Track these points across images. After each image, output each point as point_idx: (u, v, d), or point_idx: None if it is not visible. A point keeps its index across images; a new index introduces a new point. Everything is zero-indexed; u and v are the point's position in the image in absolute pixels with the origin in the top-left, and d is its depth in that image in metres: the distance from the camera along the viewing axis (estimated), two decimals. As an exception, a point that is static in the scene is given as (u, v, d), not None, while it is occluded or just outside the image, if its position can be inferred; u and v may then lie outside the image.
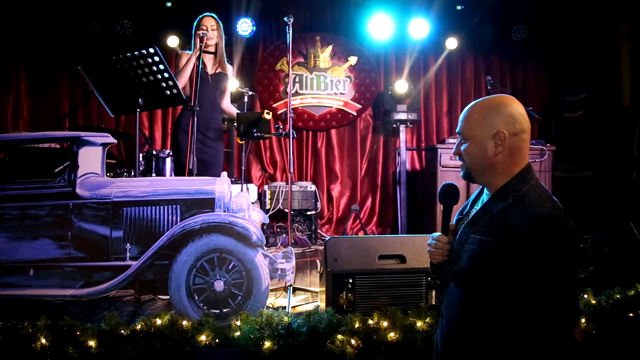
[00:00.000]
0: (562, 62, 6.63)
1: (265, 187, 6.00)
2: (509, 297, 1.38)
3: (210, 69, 3.99)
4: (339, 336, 2.58)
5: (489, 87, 5.47)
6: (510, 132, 1.46)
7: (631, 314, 2.94)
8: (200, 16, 3.96)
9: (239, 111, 4.18)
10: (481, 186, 1.62)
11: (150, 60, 3.27)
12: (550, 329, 1.33)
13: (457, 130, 1.57)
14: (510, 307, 1.38)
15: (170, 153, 5.01)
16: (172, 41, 6.15)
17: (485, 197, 1.57)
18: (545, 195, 1.43)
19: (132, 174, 4.95)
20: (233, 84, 4.19)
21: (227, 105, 4.21)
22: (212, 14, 3.99)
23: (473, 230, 1.50)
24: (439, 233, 1.61)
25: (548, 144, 5.55)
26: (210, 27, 3.90)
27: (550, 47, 6.59)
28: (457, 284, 1.54)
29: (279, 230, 5.88)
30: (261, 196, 5.93)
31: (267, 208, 5.80)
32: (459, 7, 6.36)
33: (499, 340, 1.41)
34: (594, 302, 2.97)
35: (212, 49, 3.95)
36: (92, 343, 2.57)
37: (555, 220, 1.35)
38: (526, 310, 1.35)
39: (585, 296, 3.01)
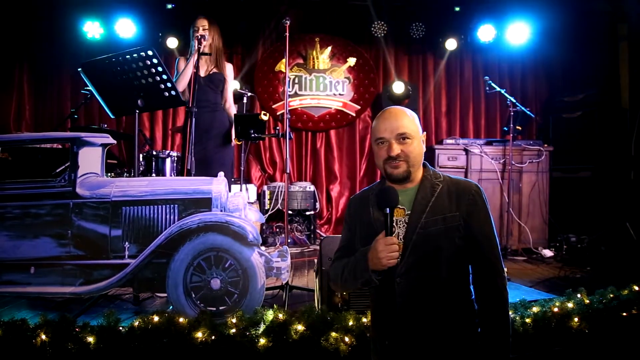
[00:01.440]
0: (561, 62, 6.65)
1: (265, 187, 6.05)
2: (472, 247, 1.72)
3: (203, 71, 4.03)
4: (333, 334, 2.62)
5: (487, 88, 5.50)
6: None
7: (624, 314, 2.96)
8: (196, 18, 4.02)
9: (236, 113, 4.22)
10: (370, 192, 1.85)
11: (148, 62, 3.32)
12: (499, 271, 1.73)
13: (398, 132, 1.73)
14: (470, 254, 1.73)
15: (170, 153, 5.07)
16: (172, 43, 6.21)
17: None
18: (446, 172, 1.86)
19: (132, 174, 5.00)
20: (233, 84, 4.21)
21: (229, 107, 4.23)
22: (205, 15, 4.03)
23: (424, 216, 1.71)
24: (378, 238, 1.64)
25: (546, 145, 5.60)
26: (202, 27, 3.94)
27: (549, 47, 6.60)
28: (420, 269, 1.69)
29: (278, 230, 5.93)
30: (261, 196, 5.98)
31: (266, 208, 5.85)
32: (457, 8, 6.38)
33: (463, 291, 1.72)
34: (587, 301, 2.99)
35: (207, 50, 3.98)
36: (91, 339, 2.61)
37: (481, 189, 1.81)
38: (485, 249, 1.73)
39: (579, 295, 3.03)
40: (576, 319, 2.88)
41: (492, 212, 5.67)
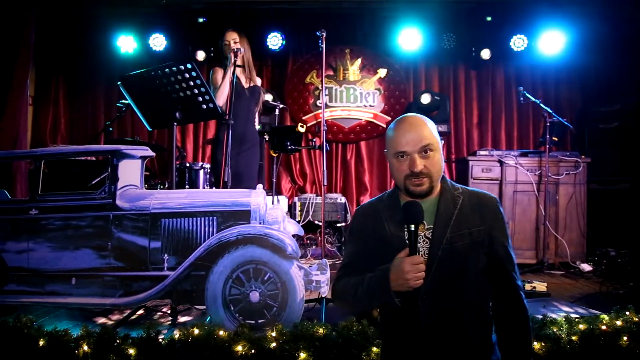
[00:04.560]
0: (596, 71, 6.50)
1: (296, 198, 6.04)
2: (494, 262, 1.64)
3: (244, 83, 4.07)
4: (374, 349, 2.58)
5: (521, 99, 5.41)
6: None
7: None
8: (225, 31, 4.07)
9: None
10: (378, 203, 1.75)
11: (187, 75, 3.36)
12: (518, 286, 1.67)
13: (421, 145, 1.60)
14: (492, 269, 1.64)
15: (203, 165, 5.12)
16: (201, 55, 6.31)
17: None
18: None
19: (167, 185, 5.06)
20: (265, 96, 4.26)
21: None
22: (235, 28, 4.08)
23: (449, 231, 1.61)
24: (402, 257, 1.53)
25: (583, 156, 5.45)
26: (233, 40, 3.99)
27: (583, 56, 6.47)
28: (446, 287, 1.59)
29: (308, 241, 5.90)
30: (291, 208, 5.98)
31: (297, 220, 5.83)
32: (488, 18, 6.31)
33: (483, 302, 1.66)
34: (637, 319, 2.88)
35: (239, 62, 4.01)
36: (131, 351, 2.63)
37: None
38: (508, 264, 1.66)
39: (627, 313, 2.92)
40: (625, 338, 2.77)
41: (527, 225, 5.49)
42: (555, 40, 6.18)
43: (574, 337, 2.73)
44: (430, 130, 1.64)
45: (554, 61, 6.50)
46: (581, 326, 2.81)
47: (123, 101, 5.04)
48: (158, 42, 6.23)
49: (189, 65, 3.33)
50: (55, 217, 3.18)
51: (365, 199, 6.64)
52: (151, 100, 3.54)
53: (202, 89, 3.44)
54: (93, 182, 3.84)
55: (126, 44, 6.25)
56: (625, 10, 5.91)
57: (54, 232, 3.17)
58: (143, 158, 3.45)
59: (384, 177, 6.69)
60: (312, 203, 5.88)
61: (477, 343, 1.60)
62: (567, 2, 6.08)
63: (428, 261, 1.57)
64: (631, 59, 6.13)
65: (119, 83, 3.52)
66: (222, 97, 3.85)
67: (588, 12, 6.11)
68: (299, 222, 5.79)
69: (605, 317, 2.88)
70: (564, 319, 2.89)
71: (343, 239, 6.01)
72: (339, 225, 5.96)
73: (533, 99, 5.27)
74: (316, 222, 5.85)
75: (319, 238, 5.30)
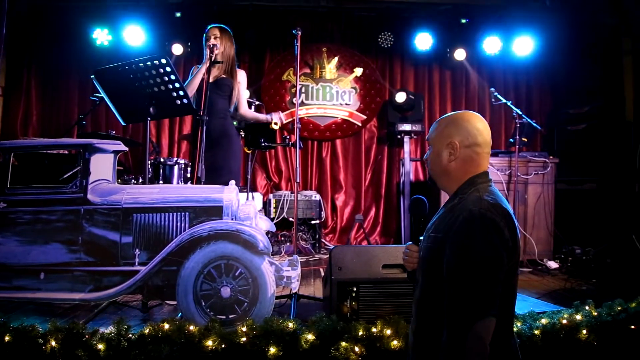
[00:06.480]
0: (566, 75, 6.69)
1: (270, 195, 6.06)
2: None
3: (211, 78, 4.05)
4: (343, 343, 2.62)
5: (493, 100, 5.53)
6: (462, 144, 1.63)
7: (633, 327, 2.96)
8: (208, 27, 4.06)
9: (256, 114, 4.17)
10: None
11: (162, 70, 3.33)
12: (456, 320, 1.43)
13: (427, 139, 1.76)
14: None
15: (177, 161, 5.09)
16: (177, 49, 6.26)
17: None
18: (486, 194, 1.55)
19: (140, 180, 5.02)
20: (244, 88, 4.23)
21: (245, 111, 4.20)
22: (218, 24, 4.07)
23: (429, 231, 1.66)
24: (411, 242, 1.80)
25: (551, 157, 5.61)
26: (214, 36, 3.98)
27: (554, 60, 6.66)
28: (420, 282, 1.67)
29: (283, 238, 5.93)
30: (266, 205, 5.99)
31: (271, 217, 5.85)
32: (463, 20, 6.44)
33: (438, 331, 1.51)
34: (595, 314, 2.99)
35: (219, 58, 4.00)
36: (101, 347, 2.61)
37: (482, 218, 1.46)
38: (446, 299, 1.46)
39: (587, 308, 3.03)
40: (584, 331, 2.87)
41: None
42: (528, 44, 6.35)
43: (536, 332, 2.82)
44: (436, 126, 1.70)
45: (526, 64, 6.68)
46: (543, 321, 2.90)
47: (97, 94, 4.98)
48: (134, 35, 6.17)
49: (163, 60, 3.30)
50: (25, 211, 3.13)
51: (340, 197, 6.70)
52: (125, 95, 3.50)
53: (177, 85, 3.42)
54: (65, 176, 3.80)
55: (102, 36, 6.18)
56: (593, 16, 6.09)
57: (22, 226, 3.12)
58: (116, 152, 3.42)
59: (359, 175, 6.75)
60: (287, 200, 5.91)
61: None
62: (539, 6, 6.23)
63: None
64: (598, 63, 6.33)
65: (92, 77, 3.47)
66: (189, 91, 3.82)
67: (559, 17, 6.27)
68: (273, 219, 5.81)
69: (566, 312, 3.00)
70: (527, 314, 2.99)
71: (317, 236, 6.06)
72: (313, 222, 6.00)
73: (504, 100, 5.39)
74: (290, 219, 5.88)
75: (296, 234, 5.32)
